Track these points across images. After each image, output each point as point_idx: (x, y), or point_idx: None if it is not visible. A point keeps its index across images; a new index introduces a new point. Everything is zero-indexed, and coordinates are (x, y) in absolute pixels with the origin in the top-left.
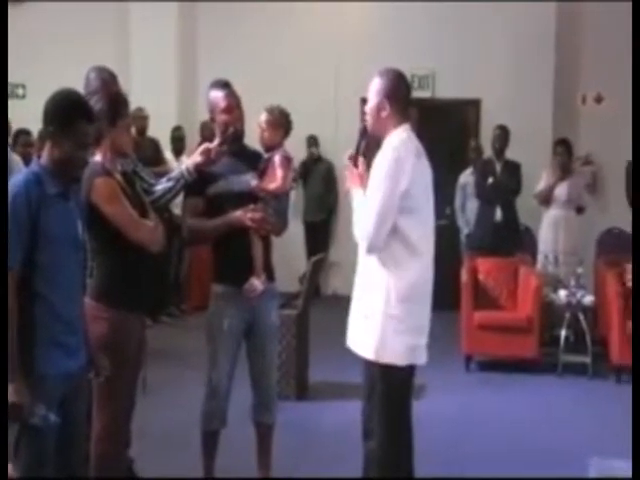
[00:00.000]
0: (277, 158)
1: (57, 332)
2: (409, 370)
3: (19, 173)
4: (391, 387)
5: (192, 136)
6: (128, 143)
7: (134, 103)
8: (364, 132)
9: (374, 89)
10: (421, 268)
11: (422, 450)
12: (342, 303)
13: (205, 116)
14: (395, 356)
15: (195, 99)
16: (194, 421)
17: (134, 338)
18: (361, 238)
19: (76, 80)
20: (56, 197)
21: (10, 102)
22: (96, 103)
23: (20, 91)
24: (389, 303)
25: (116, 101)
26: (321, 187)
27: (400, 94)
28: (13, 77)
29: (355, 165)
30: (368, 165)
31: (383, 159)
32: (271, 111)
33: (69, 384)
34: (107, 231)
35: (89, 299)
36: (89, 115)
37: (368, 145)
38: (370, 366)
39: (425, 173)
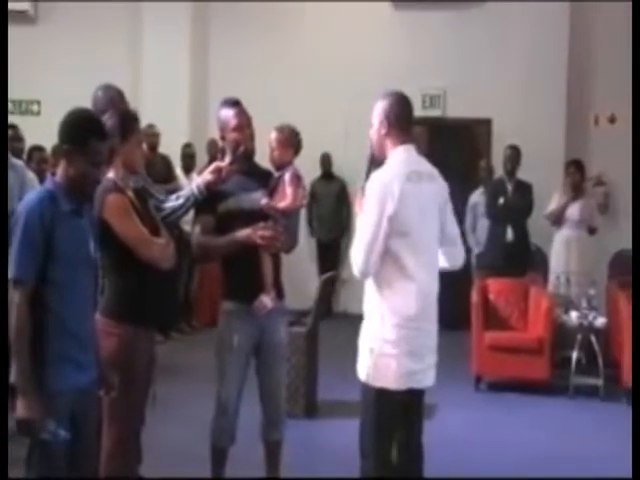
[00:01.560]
0: (287, 176)
1: (68, 348)
2: (406, 394)
3: (33, 190)
4: (383, 410)
5: (203, 153)
6: (140, 160)
7: (145, 120)
8: (372, 159)
9: (376, 112)
10: (416, 293)
11: (430, 469)
12: (353, 321)
13: (216, 133)
14: (387, 380)
15: (206, 117)
16: (203, 437)
17: (144, 354)
18: (354, 265)
19: (90, 97)
20: (70, 214)
21: (25, 118)
22: (107, 120)
23: (35, 107)
24: (384, 327)
25: (127, 117)
26: (334, 205)
27: (400, 114)
28: (28, 94)
29: (364, 192)
30: None
31: (370, 184)
32: (281, 130)
33: (79, 400)
34: (118, 248)
35: (99, 315)
36: (102, 134)
37: None
38: (365, 388)
39: (421, 197)
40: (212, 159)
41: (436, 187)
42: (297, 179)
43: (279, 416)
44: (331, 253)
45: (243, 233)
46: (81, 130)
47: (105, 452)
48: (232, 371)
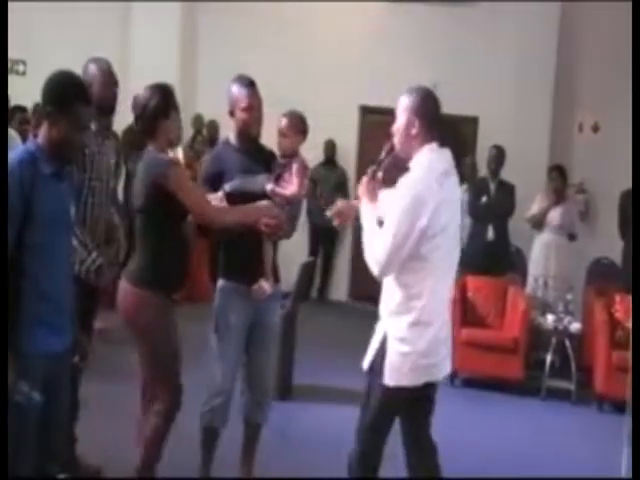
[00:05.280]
0: (295, 165)
1: (44, 311)
2: (421, 388)
3: (13, 150)
4: (391, 407)
5: (188, 127)
6: (178, 132)
7: (134, 90)
8: (390, 150)
9: (402, 106)
10: (436, 289)
11: (398, 465)
12: (331, 307)
13: (203, 109)
14: (402, 378)
15: (194, 91)
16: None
17: (174, 320)
18: (372, 263)
19: (77, 59)
20: (50, 177)
21: (10, 78)
22: (150, 99)
23: (20, 67)
24: (399, 325)
25: (167, 93)
26: (333, 193)
27: (429, 111)
28: (14, 53)
29: (373, 178)
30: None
31: (404, 190)
32: (293, 116)
33: (53, 364)
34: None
35: (131, 285)
36: (87, 98)
37: (393, 163)
38: (374, 382)
39: (454, 191)
40: (197, 133)
41: (456, 180)
42: (305, 169)
43: (265, 398)
44: (326, 239)
45: (257, 206)
46: (66, 93)
47: (159, 415)
48: (229, 351)
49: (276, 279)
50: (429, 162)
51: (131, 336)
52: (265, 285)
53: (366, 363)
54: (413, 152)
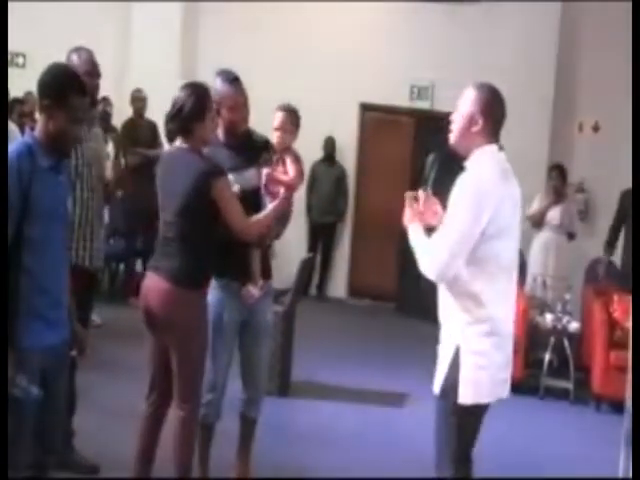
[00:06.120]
0: (290, 157)
1: (41, 305)
2: (486, 405)
3: (12, 144)
4: (470, 426)
5: None
6: (213, 132)
7: (133, 84)
8: (433, 164)
9: (469, 99)
10: (502, 297)
11: (394, 464)
12: (329, 304)
13: None
14: (479, 395)
15: None
16: None
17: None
18: (430, 265)
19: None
20: (47, 170)
21: (9, 71)
22: (187, 99)
23: (20, 60)
24: (474, 337)
25: (205, 94)
26: (332, 190)
27: (495, 112)
28: (13, 46)
29: (416, 200)
30: (438, 194)
31: (467, 186)
32: (290, 110)
33: (51, 358)
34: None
35: (173, 285)
36: (82, 90)
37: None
38: (447, 403)
39: (514, 196)
40: None
41: (515, 182)
42: (299, 161)
43: (259, 394)
44: (325, 236)
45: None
46: (62, 86)
47: (188, 413)
48: (221, 348)
49: (268, 276)
50: (489, 162)
51: (170, 337)
52: (253, 290)
53: (438, 385)
54: (470, 148)
